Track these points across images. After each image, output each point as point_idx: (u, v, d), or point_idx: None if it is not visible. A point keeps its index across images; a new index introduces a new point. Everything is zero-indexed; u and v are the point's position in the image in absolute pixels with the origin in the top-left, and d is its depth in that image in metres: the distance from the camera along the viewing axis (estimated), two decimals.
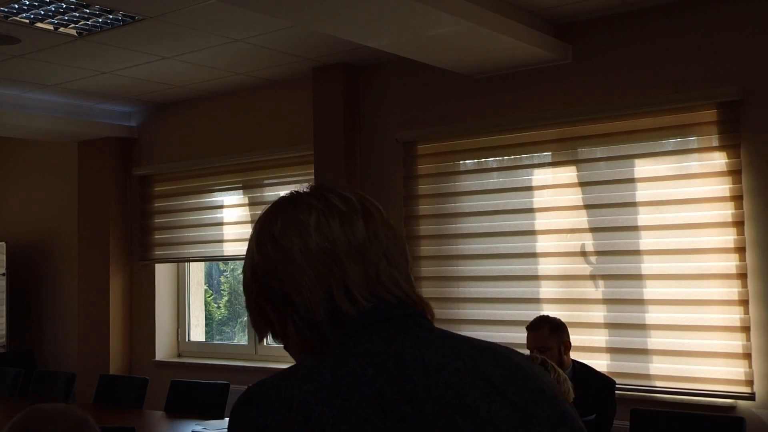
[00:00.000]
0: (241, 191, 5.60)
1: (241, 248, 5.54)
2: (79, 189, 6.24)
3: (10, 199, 6.99)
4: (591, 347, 3.98)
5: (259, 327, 0.97)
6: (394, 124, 4.79)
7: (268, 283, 0.93)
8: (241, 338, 6.00)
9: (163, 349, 6.00)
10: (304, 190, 0.97)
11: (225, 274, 6.36)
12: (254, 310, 0.96)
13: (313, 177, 4.99)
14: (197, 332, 6.13)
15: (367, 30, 3.69)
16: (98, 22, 4.00)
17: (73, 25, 4.05)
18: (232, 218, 5.67)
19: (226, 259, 5.93)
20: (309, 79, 5.02)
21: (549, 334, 3.23)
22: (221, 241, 5.70)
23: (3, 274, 6.49)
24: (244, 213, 5.59)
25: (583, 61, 4.15)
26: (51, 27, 4.05)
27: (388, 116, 4.83)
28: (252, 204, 5.50)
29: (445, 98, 4.63)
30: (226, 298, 6.37)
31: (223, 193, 5.70)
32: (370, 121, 4.91)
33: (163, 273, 6.06)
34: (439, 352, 0.87)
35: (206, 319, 6.25)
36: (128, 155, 6.15)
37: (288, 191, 0.99)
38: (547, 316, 3.36)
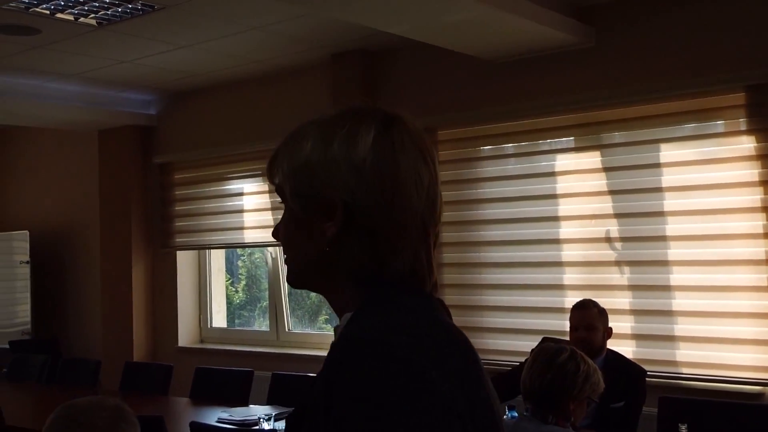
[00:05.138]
0: (260, 178, 5.59)
1: (261, 235, 5.56)
2: (100, 177, 6.27)
3: (33, 188, 7.04)
4: (617, 334, 3.91)
5: None
6: (414, 110, 4.75)
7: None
8: (262, 324, 6.04)
9: (186, 335, 6.04)
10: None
11: (242, 258, 6.40)
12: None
13: None
14: (219, 318, 6.17)
15: (386, 16, 3.65)
16: (118, 11, 4.00)
17: (93, 15, 4.04)
18: (251, 205, 5.67)
19: (247, 246, 5.95)
20: (328, 66, 4.99)
21: (598, 315, 3.30)
22: (241, 228, 5.71)
23: (27, 263, 6.56)
24: (263, 200, 5.59)
25: (606, 44, 4.09)
26: (71, 17, 4.05)
27: (408, 102, 4.79)
28: (272, 191, 5.50)
29: (465, 83, 4.58)
30: (243, 282, 6.41)
31: (242, 180, 5.71)
32: (390, 107, 4.86)
33: (184, 260, 6.09)
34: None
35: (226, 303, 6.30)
36: (148, 143, 6.17)
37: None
38: (593, 300, 3.40)
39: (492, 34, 3.96)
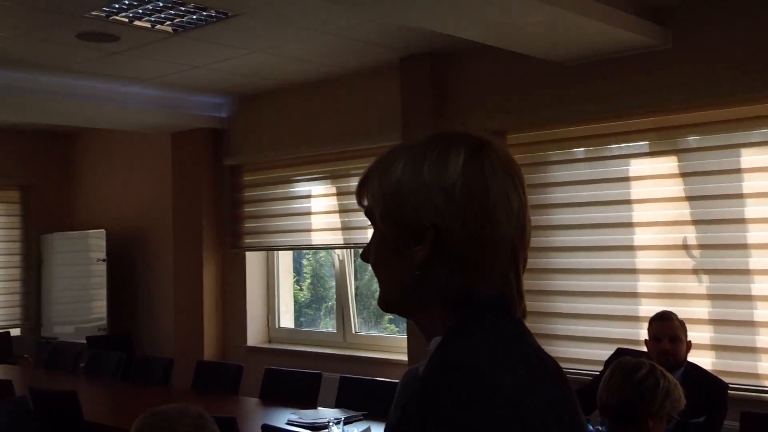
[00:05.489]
0: (329, 181, 5.64)
1: (329, 237, 5.61)
2: (173, 179, 6.44)
3: (110, 189, 7.29)
4: (694, 345, 3.82)
5: None
6: (483, 113, 4.70)
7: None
8: (327, 324, 6.09)
9: (255, 335, 6.14)
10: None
11: (307, 257, 6.48)
12: None
13: None
14: (287, 319, 6.25)
15: (455, 21, 3.62)
16: (192, 19, 4.09)
17: (168, 23, 4.15)
18: (319, 208, 5.72)
19: (314, 248, 6.01)
20: (396, 69, 4.99)
21: (680, 326, 3.25)
22: (309, 230, 5.77)
23: (103, 260, 6.79)
24: (331, 203, 5.64)
25: (683, 46, 3.96)
26: (148, 25, 4.16)
27: (477, 105, 4.75)
28: (339, 194, 5.53)
29: (535, 86, 4.51)
30: (308, 281, 6.49)
31: (311, 182, 5.76)
32: (459, 111, 4.84)
33: (253, 260, 6.19)
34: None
35: None
36: (219, 146, 6.29)
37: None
38: (672, 312, 3.34)
39: (565, 38, 3.88)
